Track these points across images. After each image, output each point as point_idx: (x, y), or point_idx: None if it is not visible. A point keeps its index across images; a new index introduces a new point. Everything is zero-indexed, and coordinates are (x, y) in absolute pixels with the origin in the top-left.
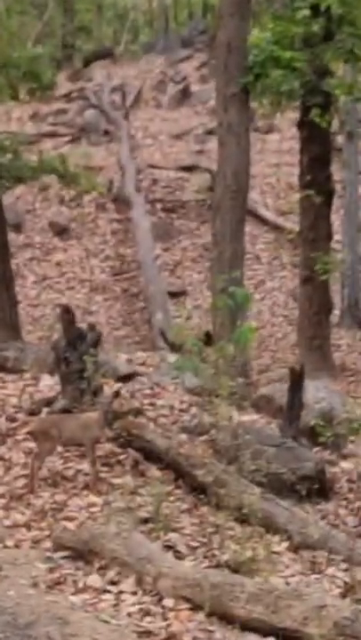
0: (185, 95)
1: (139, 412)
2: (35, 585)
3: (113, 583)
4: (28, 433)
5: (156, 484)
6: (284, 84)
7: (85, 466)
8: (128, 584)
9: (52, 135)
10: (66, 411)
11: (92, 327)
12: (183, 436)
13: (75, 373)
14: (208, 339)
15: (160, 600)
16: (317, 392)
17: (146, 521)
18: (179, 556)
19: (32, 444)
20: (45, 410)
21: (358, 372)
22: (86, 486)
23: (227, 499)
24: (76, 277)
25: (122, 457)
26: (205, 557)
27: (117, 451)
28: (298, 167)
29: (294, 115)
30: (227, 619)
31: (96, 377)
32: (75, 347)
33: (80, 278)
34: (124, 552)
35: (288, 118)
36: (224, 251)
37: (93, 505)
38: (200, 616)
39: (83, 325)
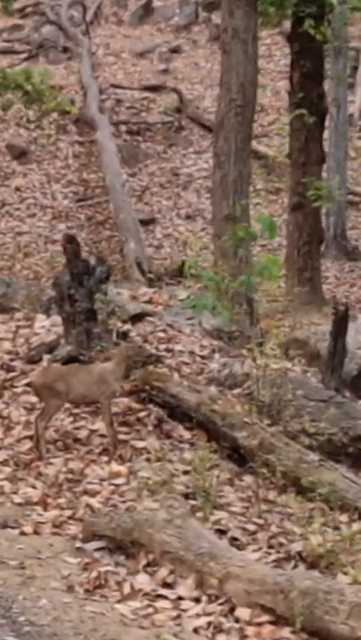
0: (147, 11)
1: (157, 361)
2: (70, 589)
3: (167, 585)
4: (29, 386)
5: (202, 446)
6: None
7: (100, 425)
8: (187, 587)
9: (7, 52)
10: (72, 359)
11: (100, 259)
12: (213, 389)
13: (81, 314)
14: (184, 270)
15: (232, 610)
16: (358, 334)
17: (186, 496)
18: (237, 545)
19: (34, 399)
20: (47, 357)
21: (351, 307)
22: (105, 451)
23: (277, 467)
24: (37, 204)
25: (142, 414)
26: (271, 547)
27: (136, 407)
28: (269, 87)
29: (266, 31)
30: (322, 637)
31: (111, 318)
32: (81, 282)
33: (41, 204)
34: (179, 545)
35: (258, 36)
36: (228, 173)
37: (117, 475)
38: (286, 632)
39: (90, 258)
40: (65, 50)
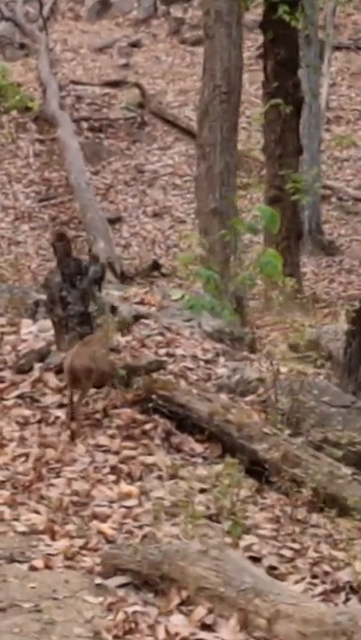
0: (105, 6)
1: (160, 367)
2: (96, 635)
3: (207, 627)
4: (70, 372)
5: (229, 463)
6: None
7: (101, 439)
8: (230, 629)
9: None
10: None
11: (94, 258)
12: (224, 397)
13: (74, 317)
14: (155, 269)
15: None
16: None
17: (208, 519)
18: (275, 575)
19: (27, 412)
20: (38, 365)
21: (333, 303)
22: (112, 469)
23: (307, 482)
24: None
25: (147, 426)
26: (315, 576)
27: (140, 418)
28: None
29: None
30: None
31: (108, 322)
32: (73, 284)
33: (3, 205)
34: (218, 579)
35: None
36: (213, 165)
37: (128, 496)
38: None
39: (82, 257)
40: (22, 46)
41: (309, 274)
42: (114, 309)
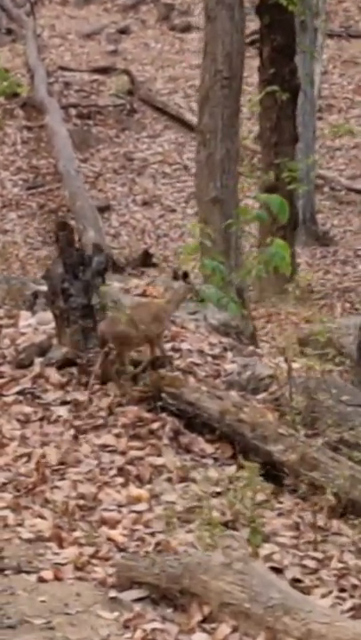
0: None
1: (166, 362)
2: None
3: None
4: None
5: (250, 467)
6: None
7: (107, 439)
8: None
9: None
10: (69, 362)
11: (97, 248)
12: (234, 394)
13: (76, 310)
14: (146, 259)
15: None
16: None
17: (224, 526)
18: (300, 588)
19: (28, 409)
20: (39, 360)
21: (328, 295)
22: (119, 471)
23: (328, 487)
24: None
25: (155, 426)
26: (342, 590)
27: (147, 417)
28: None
29: None
30: None
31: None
32: (75, 275)
33: None
34: (243, 595)
35: None
36: (214, 152)
37: (137, 500)
38: None
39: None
40: (9, 32)
41: (304, 265)
42: (186, 276)
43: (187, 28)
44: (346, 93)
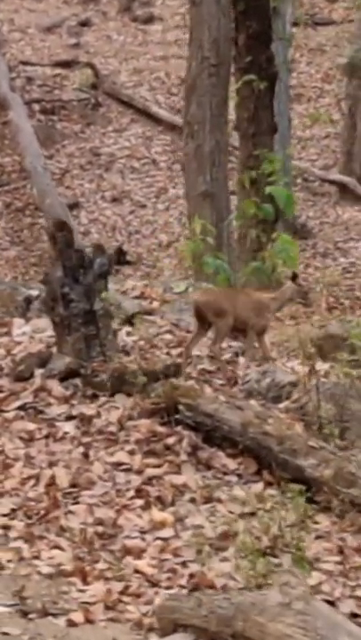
0: None
1: (178, 371)
2: None
3: None
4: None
5: (294, 490)
6: None
7: (121, 456)
8: None
9: None
10: (72, 373)
11: (99, 249)
12: (255, 404)
13: (78, 317)
14: (120, 256)
15: None
16: None
17: (263, 553)
18: (359, 624)
19: (31, 427)
20: (40, 372)
21: (311, 290)
22: (138, 492)
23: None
24: None
25: (171, 440)
26: None
27: (161, 431)
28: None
29: (178, 1)
30: None
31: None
32: (76, 279)
33: None
34: (306, 639)
35: (170, 5)
36: (203, 144)
37: (162, 525)
38: None
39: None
40: None
41: None
42: (295, 277)
43: (149, 20)
44: (314, 82)
